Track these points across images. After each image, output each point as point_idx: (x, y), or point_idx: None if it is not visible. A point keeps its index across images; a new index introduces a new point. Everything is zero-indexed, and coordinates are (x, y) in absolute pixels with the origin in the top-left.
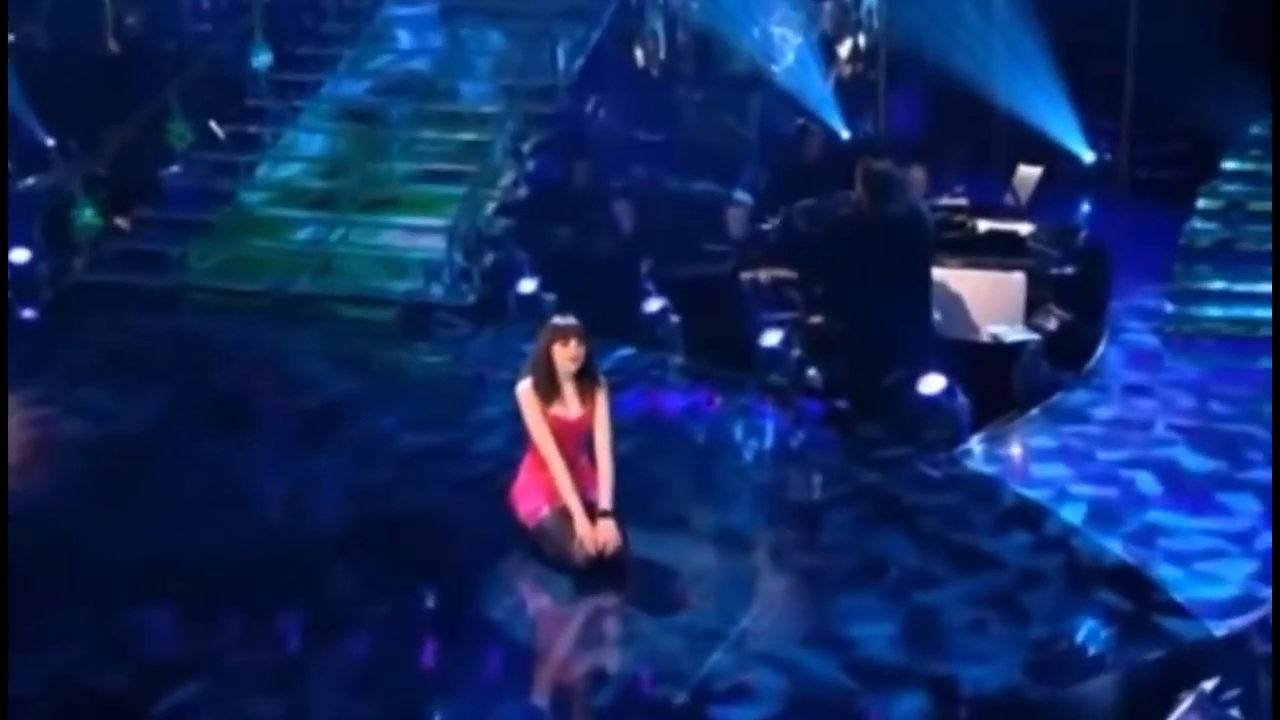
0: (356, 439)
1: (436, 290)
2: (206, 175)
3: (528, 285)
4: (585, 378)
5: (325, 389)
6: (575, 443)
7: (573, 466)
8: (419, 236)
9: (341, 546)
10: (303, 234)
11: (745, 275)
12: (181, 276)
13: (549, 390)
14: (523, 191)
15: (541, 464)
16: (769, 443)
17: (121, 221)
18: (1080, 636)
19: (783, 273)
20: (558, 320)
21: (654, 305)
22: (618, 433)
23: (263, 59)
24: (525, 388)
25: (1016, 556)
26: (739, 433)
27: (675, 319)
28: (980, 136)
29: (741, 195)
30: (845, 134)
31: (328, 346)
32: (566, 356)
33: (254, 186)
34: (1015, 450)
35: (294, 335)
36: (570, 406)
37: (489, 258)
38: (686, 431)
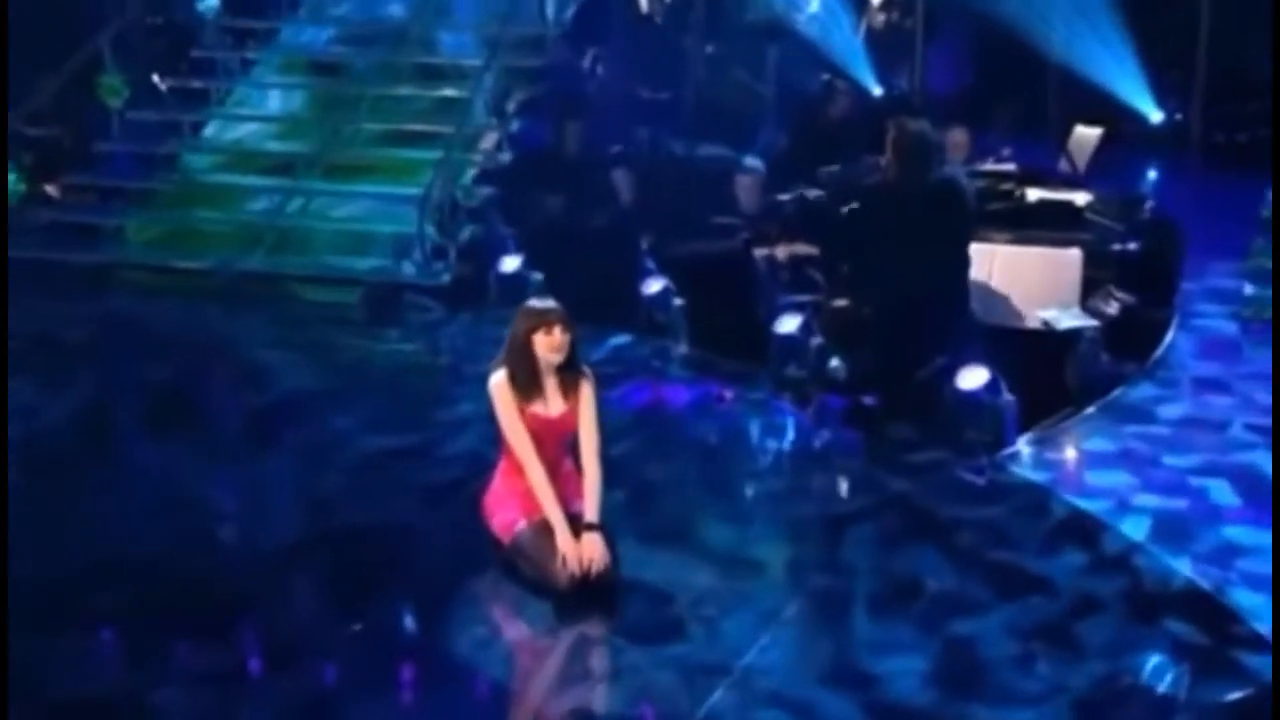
0: (312, 440)
1: (407, 269)
2: (146, 137)
3: (511, 263)
4: (569, 370)
5: (278, 382)
6: (557, 445)
7: (554, 473)
8: (388, 207)
9: (291, 564)
10: (256, 204)
11: (759, 252)
12: (117, 252)
13: (527, 384)
14: (506, 156)
15: (518, 470)
16: (785, 445)
17: (50, 189)
18: (1144, 674)
19: (802, 249)
20: (536, 304)
21: (655, 286)
22: (609, 434)
23: (210, 2)
24: (499, 381)
25: (1069, 579)
26: (750, 433)
27: (679, 302)
28: (1031, 94)
29: (756, 161)
30: (876, 91)
31: (282, 333)
32: (549, 346)
33: (201, 149)
34: (1069, 454)
35: (244, 320)
36: (552, 403)
37: (467, 232)
38: (690, 432)
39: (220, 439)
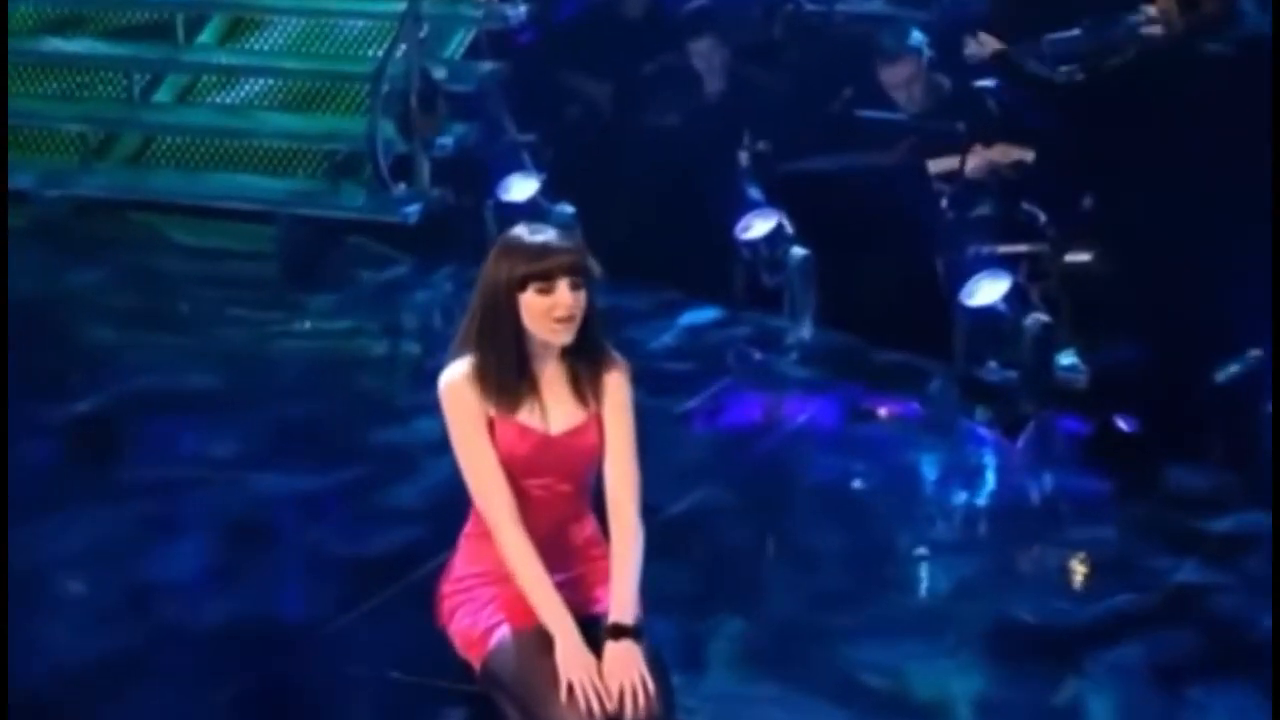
0: (169, 479)
1: (350, 196)
2: None
3: (522, 188)
4: (585, 356)
5: (120, 380)
6: (562, 487)
7: (558, 539)
8: (319, 95)
9: (128, 679)
10: (99, 88)
11: (936, 167)
12: None
13: (508, 379)
14: (522, 9)
15: (490, 536)
16: (980, 497)
17: None
18: None
19: (1010, 161)
20: (525, 233)
21: (760, 228)
22: (669, 474)
23: None
24: (456, 378)
25: None
26: (919, 476)
27: (800, 253)
28: None
29: (919, 37)
30: None
31: (137, 299)
32: (548, 312)
33: None
34: None
35: (72, 277)
36: (553, 413)
37: (451, 136)
38: (815, 472)
39: (21, 477)
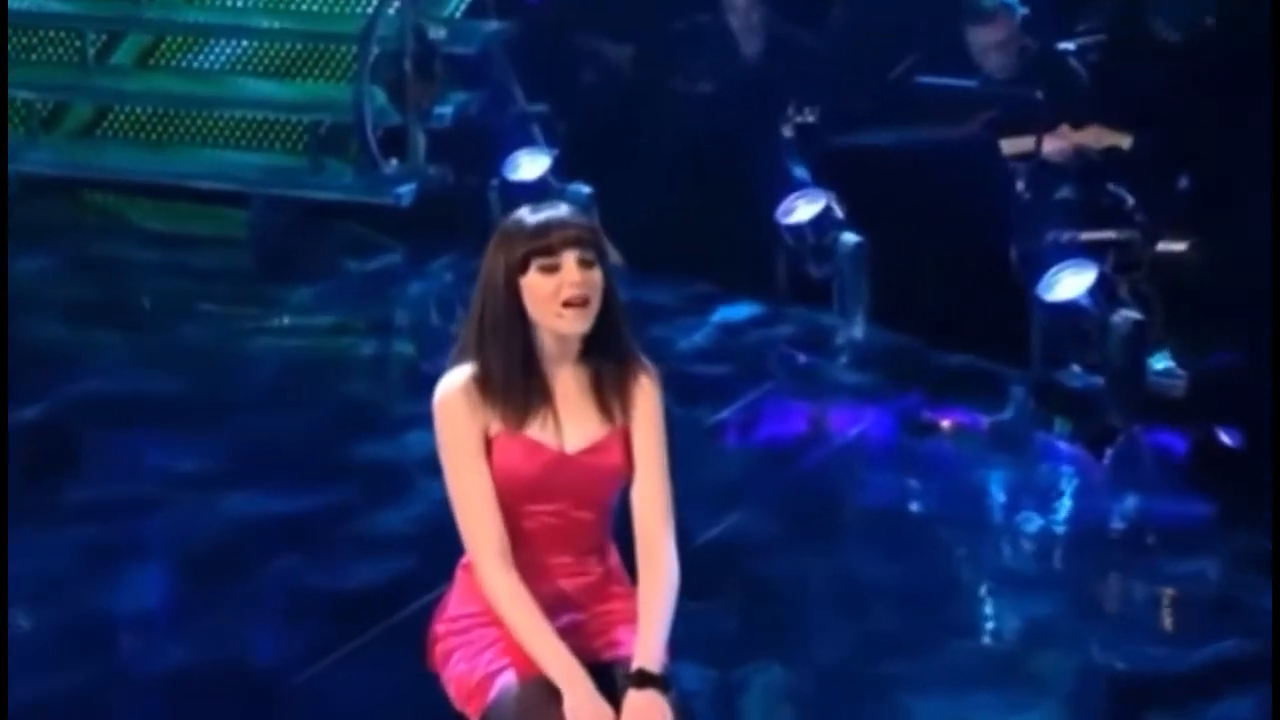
0: (128, 500)
1: (335, 175)
2: None
3: (533, 165)
4: (606, 355)
5: (71, 386)
6: (577, 516)
7: (574, 575)
8: (300, 59)
9: None
10: (46, 50)
11: (1010, 147)
12: None
13: (515, 387)
14: None
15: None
16: (1062, 521)
17: None
18: None
19: (1102, 146)
20: (527, 215)
21: (806, 210)
22: (702, 497)
23: None
24: (453, 390)
25: None
26: (989, 499)
27: (852, 240)
28: None
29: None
30: None
31: (87, 292)
32: (555, 296)
33: None
34: None
35: (16, 265)
36: (568, 428)
37: (451, 106)
38: (869, 494)
39: None
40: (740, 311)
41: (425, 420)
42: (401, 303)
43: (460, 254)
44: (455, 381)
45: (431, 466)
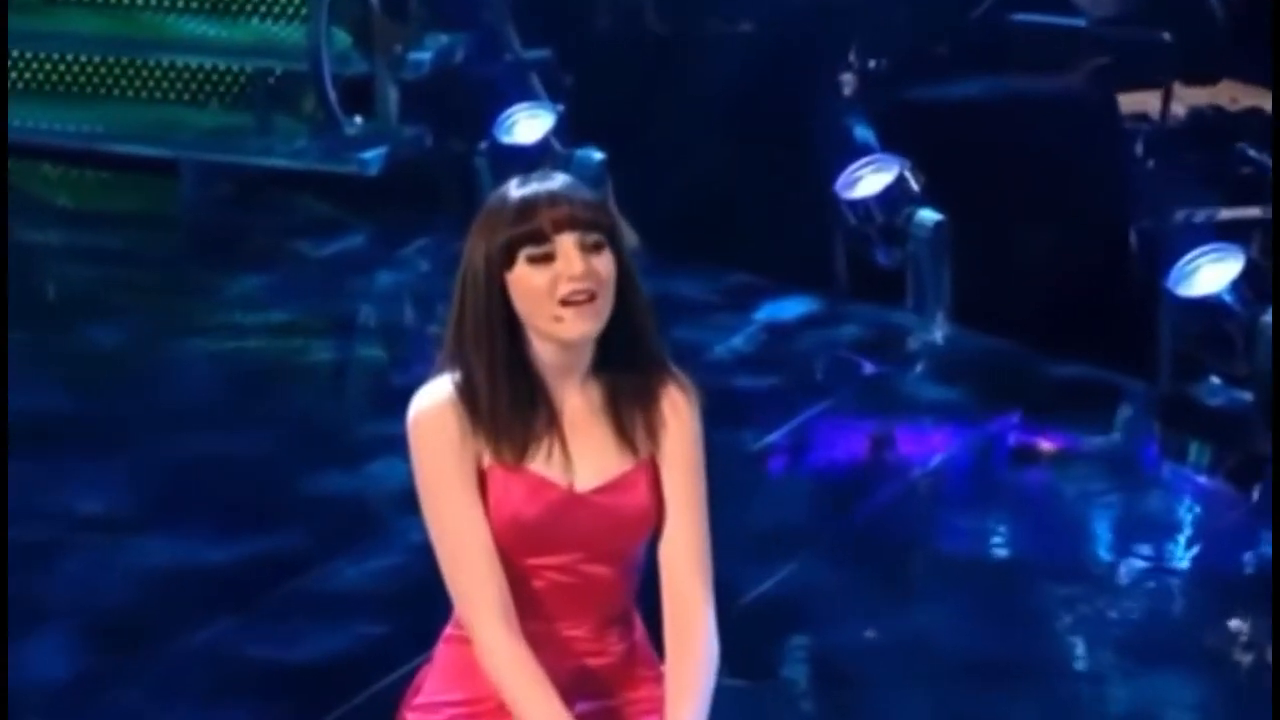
0: (19, 544)
1: (287, 137)
2: None
3: (531, 125)
4: (630, 375)
5: None
6: (592, 571)
7: (587, 648)
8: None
9: None
10: None
11: (1128, 104)
12: None
13: (511, 413)
14: None
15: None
16: (1196, 572)
17: None
18: None
19: (1234, 99)
20: (513, 190)
21: (870, 183)
22: (750, 535)
23: None
24: (432, 406)
25: None
26: (1107, 540)
27: (930, 219)
28: None
29: None
30: None
31: None
32: (551, 291)
33: None
34: None
35: None
36: (579, 462)
37: (429, 52)
38: (952, 532)
39: None
40: (790, 309)
41: (396, 445)
42: (368, 297)
43: (441, 236)
44: (437, 396)
45: (406, 504)
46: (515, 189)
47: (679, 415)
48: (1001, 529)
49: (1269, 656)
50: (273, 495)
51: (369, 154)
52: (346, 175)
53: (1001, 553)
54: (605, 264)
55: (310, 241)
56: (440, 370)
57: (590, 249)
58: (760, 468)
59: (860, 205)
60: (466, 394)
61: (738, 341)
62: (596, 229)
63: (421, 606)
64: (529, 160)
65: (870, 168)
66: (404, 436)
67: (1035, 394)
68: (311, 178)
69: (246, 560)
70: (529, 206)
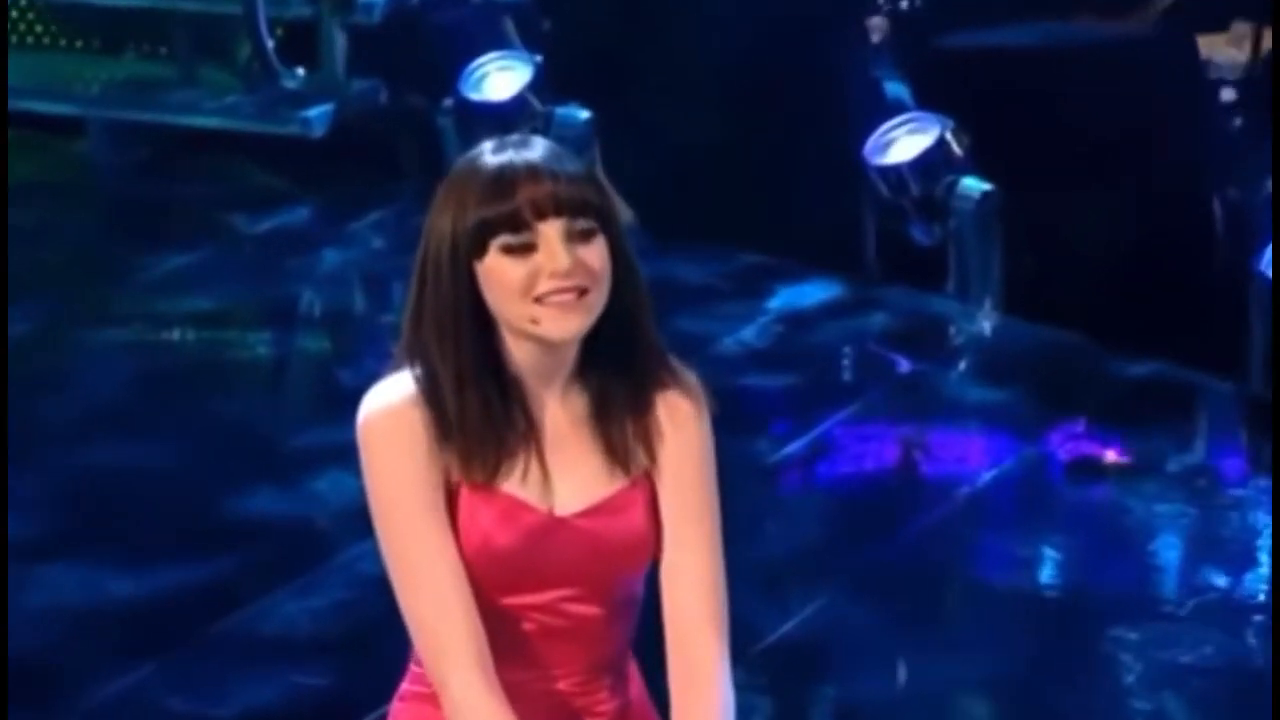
0: None
1: (216, 91)
2: None
3: (503, 77)
4: (621, 376)
5: None
6: (578, 611)
7: (571, 705)
8: None
9: None
10: None
11: (1210, 49)
12: None
13: (481, 423)
14: None
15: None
16: None
17: None
18: None
19: None
20: (486, 156)
21: (905, 146)
22: (769, 565)
23: None
24: (387, 409)
25: None
26: (1190, 567)
27: (977, 189)
28: None
29: None
30: None
31: None
32: (529, 288)
33: None
34: None
35: None
36: (560, 481)
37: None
38: (1007, 561)
39: None
40: (810, 294)
41: (347, 456)
42: (312, 280)
43: (398, 208)
44: (395, 395)
45: (355, 527)
46: (488, 156)
47: (682, 423)
48: (1060, 558)
49: None
50: (197, 517)
51: (313, 112)
52: (286, 137)
53: (1060, 587)
54: (597, 253)
55: (244, 215)
56: (398, 365)
57: (578, 237)
58: (776, 485)
59: (893, 173)
60: (430, 395)
61: (748, 334)
62: (586, 212)
63: (374, 653)
64: (502, 120)
65: (905, 129)
66: (354, 445)
67: (1101, 397)
68: (245, 140)
69: (166, 595)
70: (504, 183)
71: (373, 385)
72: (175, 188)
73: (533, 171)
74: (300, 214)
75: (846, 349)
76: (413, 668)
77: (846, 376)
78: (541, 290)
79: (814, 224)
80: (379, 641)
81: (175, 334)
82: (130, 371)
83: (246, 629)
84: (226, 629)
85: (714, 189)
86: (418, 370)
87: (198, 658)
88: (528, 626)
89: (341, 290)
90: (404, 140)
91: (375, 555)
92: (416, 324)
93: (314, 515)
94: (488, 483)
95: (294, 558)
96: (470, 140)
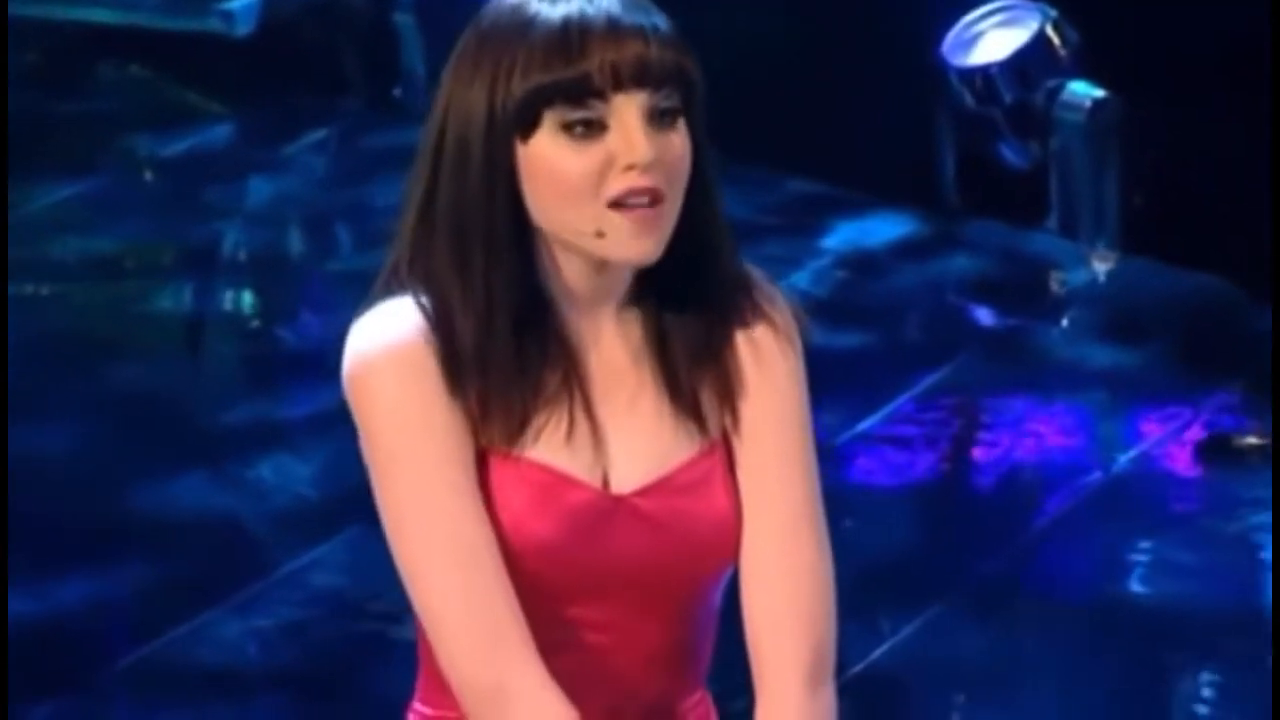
0: None
1: None
2: None
3: None
4: (685, 302)
5: None
6: (634, 627)
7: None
8: None
9: None
10: None
11: None
12: None
13: (516, 372)
14: None
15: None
16: None
17: None
18: None
19: None
20: (542, 6)
21: (994, 44)
22: (852, 571)
23: None
24: (385, 351)
25: None
26: None
27: (1089, 97)
28: None
29: None
30: None
31: None
32: (600, 186)
33: None
34: None
35: None
36: (619, 447)
37: None
38: (1143, 566)
39: None
40: (878, 232)
41: (289, 437)
42: (237, 216)
43: (343, 126)
44: (394, 330)
45: (306, 527)
46: (540, 3)
47: (770, 362)
48: (1210, 566)
49: None
50: (105, 517)
51: (234, 4)
52: (203, 35)
53: (1208, 601)
54: (679, 146)
55: (151, 135)
56: (386, 288)
57: (658, 120)
58: (848, 473)
59: (979, 76)
60: (442, 326)
61: (801, 280)
62: (679, 84)
63: (340, 687)
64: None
65: (995, 20)
66: (296, 423)
67: (1258, 360)
68: (152, 39)
69: (69, 613)
70: (571, 36)
71: (317, 350)
72: (65, 101)
73: (613, 25)
74: (220, 133)
75: (924, 300)
76: (423, 683)
77: (924, 335)
78: (614, 191)
79: (880, 144)
80: (346, 672)
81: (66, 285)
82: (12, 333)
83: (174, 658)
84: (148, 658)
85: (758, 103)
86: (422, 295)
87: (110, 690)
88: (569, 646)
89: (274, 229)
90: (348, 41)
91: (331, 564)
92: (425, 231)
93: (251, 513)
94: (517, 447)
95: (229, 567)
96: (436, 42)
